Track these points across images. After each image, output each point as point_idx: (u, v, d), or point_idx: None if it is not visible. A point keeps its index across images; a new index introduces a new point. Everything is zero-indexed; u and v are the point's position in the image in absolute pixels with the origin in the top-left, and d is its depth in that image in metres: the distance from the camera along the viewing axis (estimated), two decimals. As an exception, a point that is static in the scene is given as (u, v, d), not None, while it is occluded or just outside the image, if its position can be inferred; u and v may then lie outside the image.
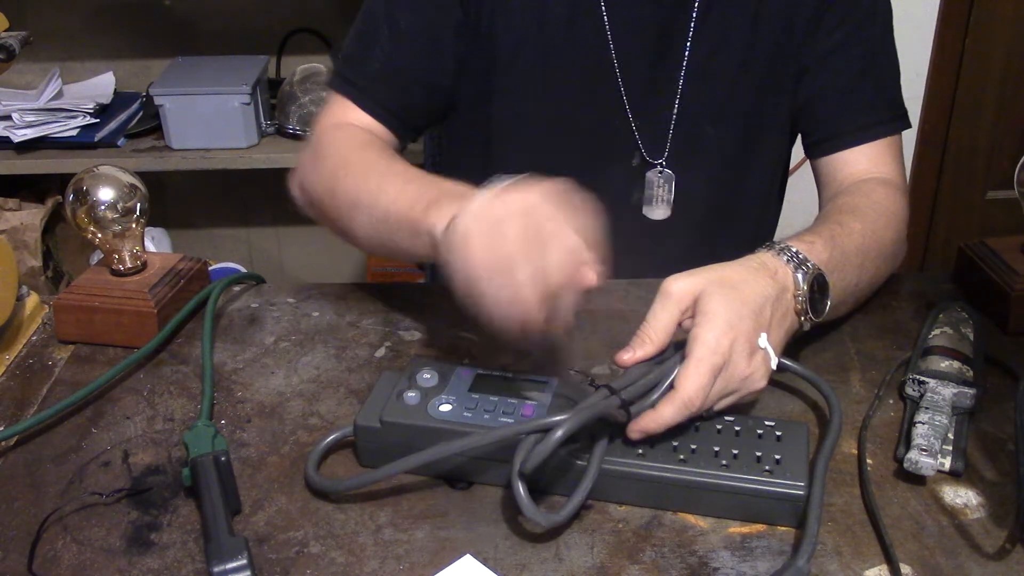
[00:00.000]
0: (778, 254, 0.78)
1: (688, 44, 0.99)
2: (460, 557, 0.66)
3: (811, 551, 0.64)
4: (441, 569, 0.65)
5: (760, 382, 0.73)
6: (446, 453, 0.68)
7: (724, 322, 0.71)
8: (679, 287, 0.73)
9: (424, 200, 0.79)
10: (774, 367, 0.74)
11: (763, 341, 0.73)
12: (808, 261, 0.78)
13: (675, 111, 1.01)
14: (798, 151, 1.09)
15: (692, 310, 0.73)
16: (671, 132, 1.02)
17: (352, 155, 0.92)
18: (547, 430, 0.66)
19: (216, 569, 0.62)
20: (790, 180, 1.16)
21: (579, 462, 0.70)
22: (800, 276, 0.77)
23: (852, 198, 0.94)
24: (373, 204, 0.85)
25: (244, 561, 0.62)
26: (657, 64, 1.00)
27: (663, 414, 0.69)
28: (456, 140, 1.10)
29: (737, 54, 1.00)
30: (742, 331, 0.71)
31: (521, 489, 0.66)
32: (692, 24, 0.98)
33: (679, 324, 0.74)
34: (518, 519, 0.70)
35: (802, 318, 0.78)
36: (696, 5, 0.98)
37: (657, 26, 0.98)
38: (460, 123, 1.07)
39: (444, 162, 1.16)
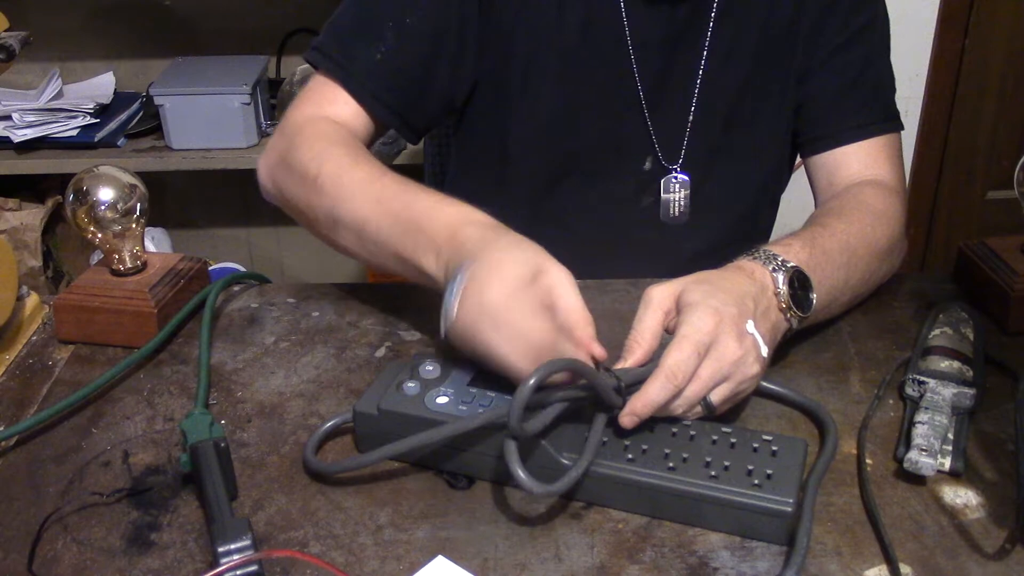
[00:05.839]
0: (754, 258, 0.80)
1: (705, 50, 1.00)
2: (432, 558, 0.66)
3: (799, 566, 0.64)
4: (417, 570, 0.65)
5: (753, 367, 0.73)
6: (434, 439, 0.69)
7: (708, 307, 0.72)
8: (659, 291, 0.76)
9: (411, 234, 0.81)
10: (765, 355, 0.74)
11: (751, 327, 0.73)
12: (785, 261, 0.80)
13: (691, 116, 1.02)
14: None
15: (675, 311, 0.74)
16: (687, 137, 1.03)
17: (328, 164, 0.89)
18: (530, 406, 0.66)
19: (221, 548, 0.62)
20: (791, 181, 1.16)
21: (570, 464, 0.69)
22: (778, 275, 0.78)
23: (838, 202, 0.96)
24: (357, 228, 0.86)
25: (248, 541, 0.62)
26: (674, 71, 1.00)
27: (648, 392, 0.70)
28: (468, 141, 1.10)
29: (747, 61, 1.01)
30: (727, 314, 0.72)
31: (513, 453, 0.66)
32: (709, 30, 0.99)
33: (666, 329, 0.75)
34: (518, 513, 0.70)
35: (787, 315, 0.78)
36: (712, 12, 0.99)
37: (675, 34, 0.99)
38: (473, 124, 1.07)
39: (456, 164, 1.16)
